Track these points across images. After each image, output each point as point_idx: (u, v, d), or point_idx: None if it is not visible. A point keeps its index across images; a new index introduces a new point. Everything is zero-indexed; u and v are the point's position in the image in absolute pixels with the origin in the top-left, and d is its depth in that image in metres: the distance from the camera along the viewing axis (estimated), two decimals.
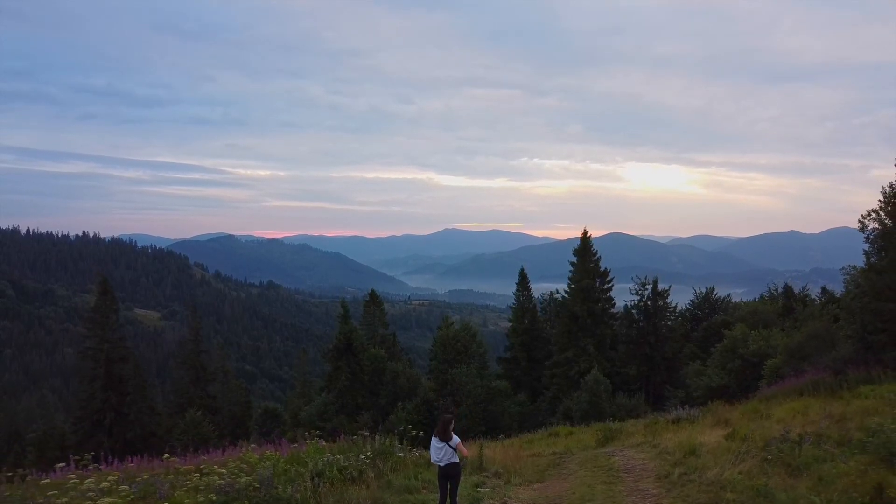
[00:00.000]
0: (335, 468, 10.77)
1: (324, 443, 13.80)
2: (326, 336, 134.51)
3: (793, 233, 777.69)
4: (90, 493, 7.61)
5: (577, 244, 44.49)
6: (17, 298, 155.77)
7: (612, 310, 44.87)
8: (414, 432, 15.81)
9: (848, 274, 26.16)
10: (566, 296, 44.74)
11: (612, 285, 44.48)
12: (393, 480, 11.31)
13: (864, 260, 23.12)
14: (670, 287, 44.46)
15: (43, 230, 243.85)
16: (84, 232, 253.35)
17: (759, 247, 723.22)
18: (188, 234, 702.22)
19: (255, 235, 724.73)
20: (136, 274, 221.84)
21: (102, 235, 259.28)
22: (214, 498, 8.11)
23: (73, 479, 8.01)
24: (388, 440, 13.55)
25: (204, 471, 9.59)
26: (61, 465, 11.01)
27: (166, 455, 12.03)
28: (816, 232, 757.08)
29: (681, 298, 47.52)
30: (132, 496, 7.94)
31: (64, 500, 7.33)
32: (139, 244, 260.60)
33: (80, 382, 41.70)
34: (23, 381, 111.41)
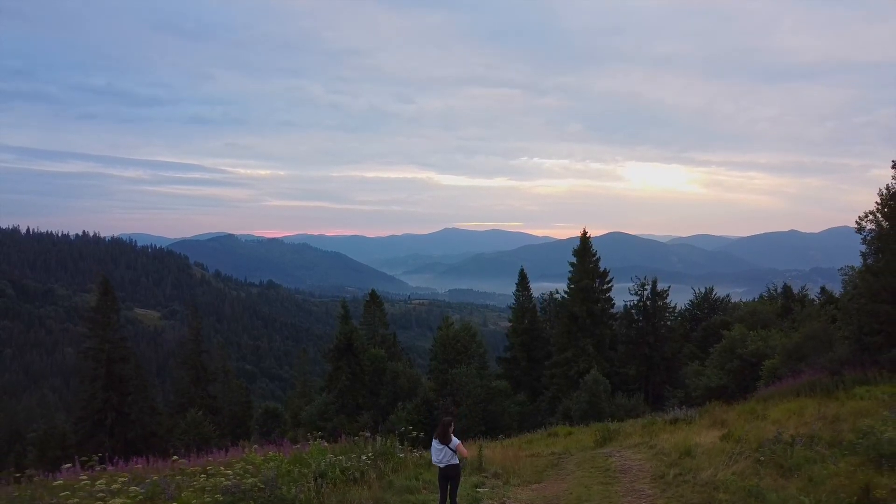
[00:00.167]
0: (337, 469, 10.96)
1: (326, 444, 13.97)
2: (326, 335, 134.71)
3: (793, 232, 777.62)
4: (101, 494, 7.82)
5: (576, 243, 44.64)
6: (17, 298, 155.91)
7: (612, 310, 45.08)
8: (414, 433, 16.01)
9: (846, 275, 26.15)
10: (566, 296, 44.91)
11: (612, 285, 44.66)
12: (394, 481, 11.49)
13: (861, 261, 23.29)
14: (669, 287, 44.62)
15: (43, 230, 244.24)
16: (84, 231, 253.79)
17: (759, 246, 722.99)
18: (188, 233, 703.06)
19: (255, 235, 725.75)
20: (136, 273, 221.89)
21: (102, 235, 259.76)
22: (221, 498, 8.31)
23: (84, 480, 8.22)
24: (389, 441, 13.70)
25: (210, 472, 9.78)
26: (67, 465, 11.17)
27: (174, 457, 12.23)
28: (816, 231, 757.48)
29: (681, 298, 47.66)
30: (140, 497, 8.14)
31: (75, 500, 7.52)
32: (139, 244, 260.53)
33: (81, 382, 41.80)
34: (23, 381, 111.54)
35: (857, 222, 22.83)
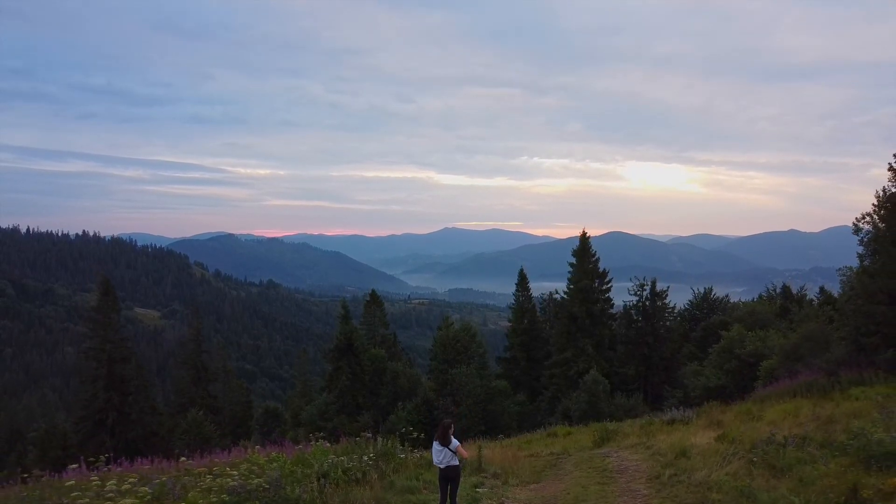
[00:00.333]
0: (340, 469, 11.15)
1: (328, 444, 14.17)
2: (326, 335, 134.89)
3: (792, 231, 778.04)
4: (110, 495, 8.03)
5: (576, 243, 44.82)
6: (17, 297, 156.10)
7: (611, 310, 45.26)
8: (415, 434, 16.20)
9: (844, 275, 26.25)
10: (565, 296, 45.10)
11: (611, 286, 44.84)
12: (395, 481, 11.68)
13: (858, 262, 23.45)
14: (668, 287, 44.80)
15: (43, 229, 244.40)
16: (84, 231, 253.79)
17: (759, 246, 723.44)
18: (188, 233, 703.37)
19: (255, 234, 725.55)
20: (136, 273, 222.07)
21: (102, 234, 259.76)
22: (227, 498, 8.52)
23: (95, 481, 8.43)
24: (390, 442, 13.90)
25: (215, 472, 9.99)
26: (74, 466, 11.34)
27: (182, 458, 12.43)
28: (816, 231, 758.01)
29: (680, 297, 47.84)
30: (149, 497, 8.35)
31: (84, 500, 7.73)
32: (139, 243, 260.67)
33: (82, 382, 41.92)
34: (23, 381, 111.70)
35: (854, 223, 22.98)
